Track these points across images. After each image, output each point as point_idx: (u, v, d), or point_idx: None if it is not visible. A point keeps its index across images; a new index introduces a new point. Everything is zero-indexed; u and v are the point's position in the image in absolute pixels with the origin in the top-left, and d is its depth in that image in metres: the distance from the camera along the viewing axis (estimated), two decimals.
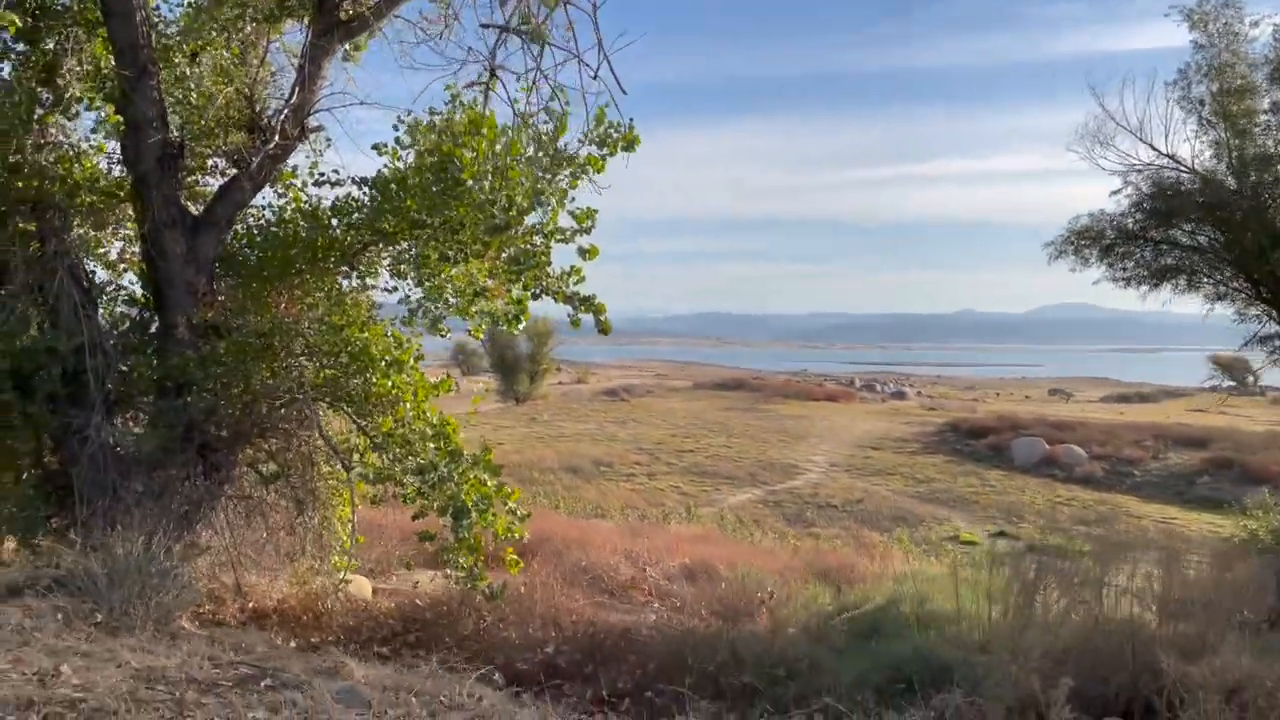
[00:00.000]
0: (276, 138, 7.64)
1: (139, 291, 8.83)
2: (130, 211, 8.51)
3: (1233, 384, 63.66)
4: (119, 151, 8.35)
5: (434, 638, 7.19)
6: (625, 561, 12.44)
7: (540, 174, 7.85)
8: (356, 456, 8.09)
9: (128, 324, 8.21)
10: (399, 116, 8.19)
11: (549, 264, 7.87)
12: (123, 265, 9.21)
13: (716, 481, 30.49)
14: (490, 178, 7.69)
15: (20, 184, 7.30)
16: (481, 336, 8.29)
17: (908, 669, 5.68)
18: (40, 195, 7.38)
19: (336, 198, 8.24)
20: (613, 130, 8.33)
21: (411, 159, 8.21)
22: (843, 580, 11.89)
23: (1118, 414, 52.73)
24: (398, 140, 8.20)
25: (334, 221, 8.10)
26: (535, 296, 7.60)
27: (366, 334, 7.60)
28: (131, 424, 8.39)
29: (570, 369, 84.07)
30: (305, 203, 8.43)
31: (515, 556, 8.11)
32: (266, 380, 7.57)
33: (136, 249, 9.08)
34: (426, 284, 7.58)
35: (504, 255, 7.81)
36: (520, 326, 8.38)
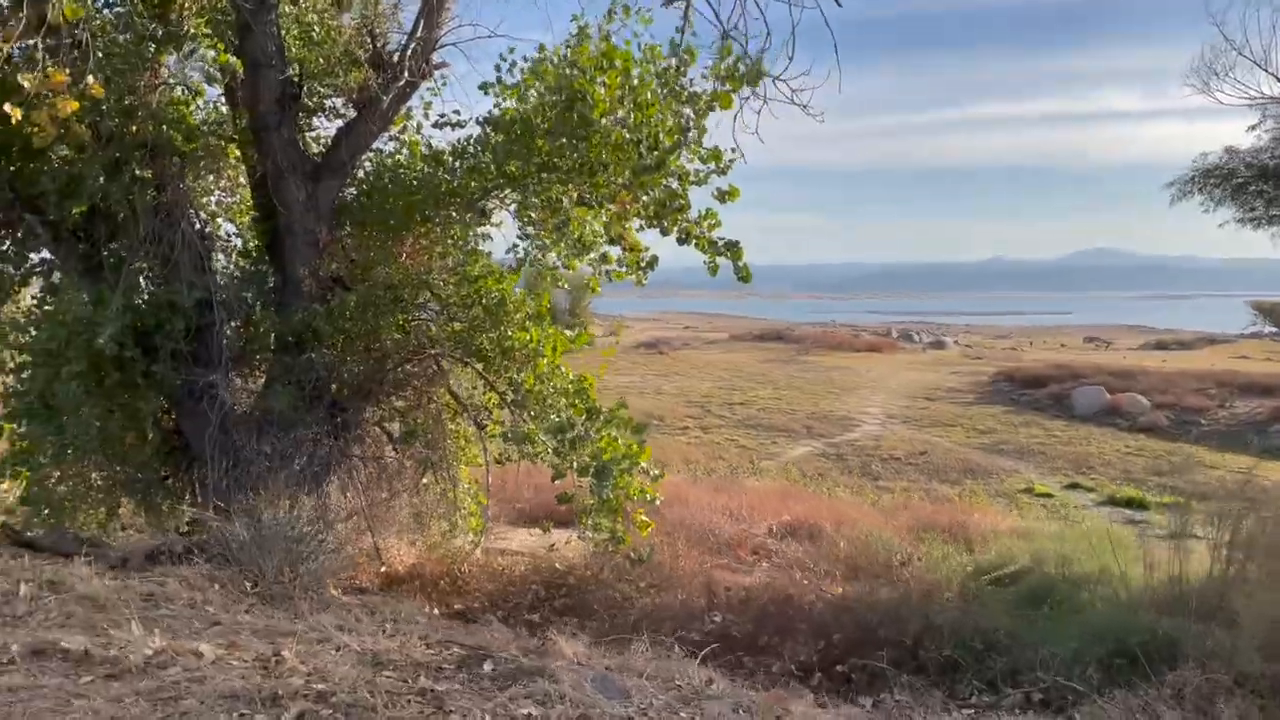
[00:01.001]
0: (406, 74, 7.10)
1: (237, 244, 8.44)
2: (231, 159, 8.06)
3: (1275, 330, 61.93)
4: (223, 95, 7.89)
5: (581, 605, 6.84)
6: (725, 519, 12.08)
7: (683, 111, 7.27)
8: (492, 414, 7.69)
9: (242, 277, 7.80)
10: (501, 56, 7.62)
11: (689, 207, 7.33)
12: (219, 217, 8.80)
13: (772, 434, 30.06)
14: (630, 115, 7.13)
15: (135, 128, 6.84)
16: (598, 289, 7.80)
17: (1131, 641, 5.21)
18: (158, 140, 6.93)
19: (457, 140, 7.72)
20: (740, 64, 7.70)
21: (533, 98, 7.67)
22: (958, 538, 11.45)
23: (1160, 362, 51.46)
24: (498, 82, 7.65)
25: (455, 165, 7.59)
26: (682, 241, 7.07)
27: (503, 285, 7.12)
28: (248, 382, 8.05)
29: (601, 322, 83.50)
30: (423, 146, 7.91)
31: (645, 518, 7.72)
32: (396, 335, 7.14)
33: (233, 199, 8.66)
34: (559, 231, 7.09)
35: (643, 199, 7.27)
36: (648, 277, 7.90)
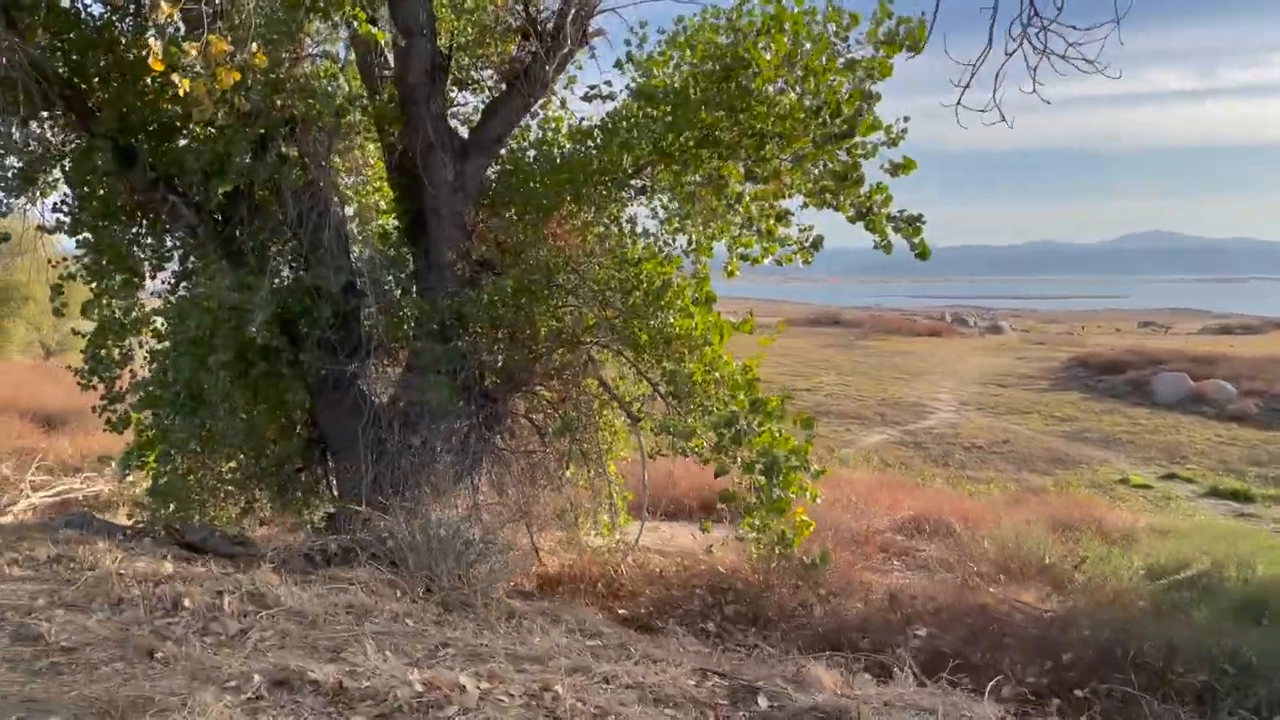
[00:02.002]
0: (569, 42, 6.61)
1: (373, 226, 8.05)
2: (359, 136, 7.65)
3: None
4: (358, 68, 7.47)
5: (754, 612, 6.36)
6: (845, 513, 11.52)
7: (858, 76, 6.69)
8: (637, 406, 7.22)
9: (382, 261, 7.41)
10: (631, 30, 7.10)
11: (864, 180, 6.76)
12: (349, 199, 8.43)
13: (844, 422, 29.36)
14: (801, 81, 6.58)
15: (280, 103, 6.45)
16: (736, 272, 7.26)
17: None
18: (305, 115, 6.53)
19: (606, 114, 7.23)
20: (902, 26, 7.08)
21: (682, 67, 7.16)
22: (1107, 538, 10.76)
23: (1227, 346, 49.50)
24: (628, 58, 7.15)
25: (604, 141, 7.11)
26: (862, 217, 6.51)
27: (666, 269, 6.63)
28: (387, 371, 7.68)
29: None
30: (568, 120, 7.44)
31: (805, 518, 7.20)
32: (552, 322, 6.69)
33: (358, 179, 8.27)
34: (730, 209, 6.57)
35: (815, 173, 6.72)
36: (813, 256, 7.37)
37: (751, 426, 6.75)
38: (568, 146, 7.42)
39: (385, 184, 8.69)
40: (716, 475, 6.78)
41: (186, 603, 4.01)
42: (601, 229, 7.00)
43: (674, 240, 7.18)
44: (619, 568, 6.85)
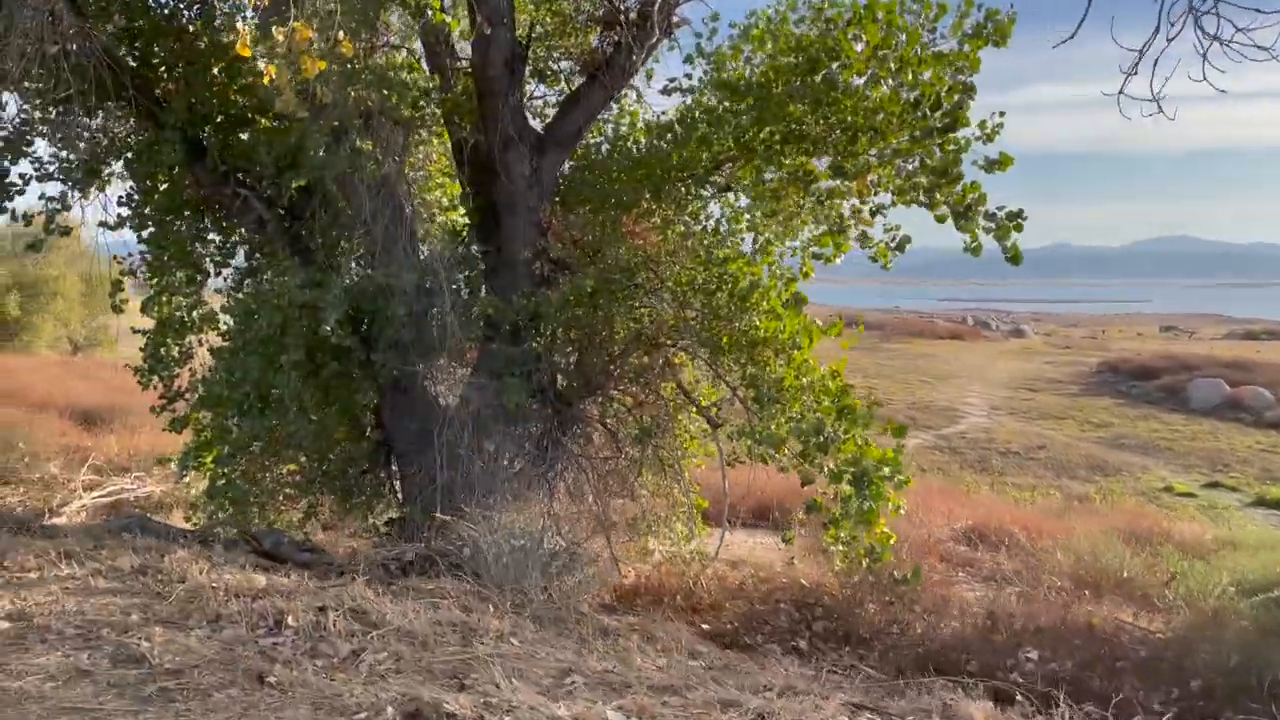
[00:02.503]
0: (657, 31, 6.34)
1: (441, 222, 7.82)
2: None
3: None
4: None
5: (846, 630, 6.08)
6: (900, 522, 11.18)
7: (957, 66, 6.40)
8: (714, 411, 6.95)
9: (453, 258, 7.17)
10: (702, 21, 6.81)
11: (962, 177, 6.46)
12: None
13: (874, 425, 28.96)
14: (894, 74, 6.30)
15: (355, 94, 6.22)
16: (811, 273, 6.95)
17: None
18: (381, 107, 6.30)
19: (685, 108, 6.96)
20: (990, 19, 6.78)
21: (753, 60, 6.90)
22: (1170, 547, 10.41)
23: (1254, 352, 48.71)
24: (698, 50, 6.88)
25: (681, 135, 6.84)
26: (959, 216, 6.21)
27: (754, 268, 6.36)
28: (455, 373, 7.44)
29: None
30: (643, 115, 7.19)
31: (886, 530, 6.90)
32: (632, 324, 6.44)
33: (420, 173, 8.04)
34: (820, 208, 6.30)
35: (906, 169, 6.42)
36: (894, 259, 7.09)
37: (837, 434, 6.47)
38: (642, 141, 7.16)
39: (448, 180, 8.48)
40: (803, 485, 6.49)
41: (290, 620, 3.76)
42: (683, 227, 6.72)
43: (743, 239, 6.90)
44: (698, 580, 6.57)
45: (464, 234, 7.40)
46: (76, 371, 22.38)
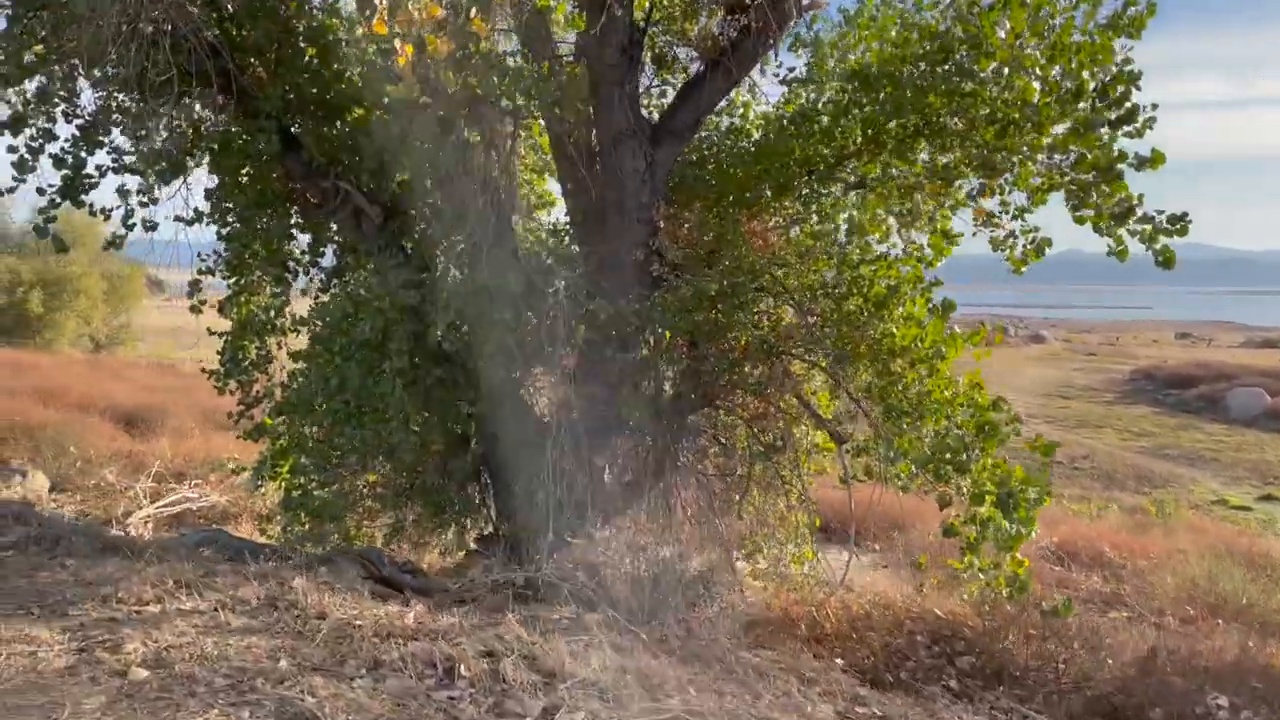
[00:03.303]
0: (794, 13, 5.88)
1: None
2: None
3: None
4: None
5: (995, 667, 5.59)
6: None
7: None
8: (835, 425, 6.47)
9: (554, 259, 6.72)
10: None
11: (1123, 174, 5.98)
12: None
13: None
14: (1052, 61, 5.83)
15: (463, 81, 5.76)
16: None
17: None
18: (491, 96, 5.83)
19: (807, 98, 6.51)
20: (1129, 9, 6.30)
21: (860, 47, 6.46)
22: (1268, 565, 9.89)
23: (1278, 361, 47.93)
24: (814, 37, 6.43)
25: (802, 128, 6.39)
26: (1121, 218, 5.72)
27: (893, 271, 5.89)
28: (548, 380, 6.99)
29: None
30: (758, 105, 6.73)
31: (1020, 556, 6.41)
32: (756, 330, 5.97)
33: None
34: (974, 201, 5.84)
35: (1058, 164, 5.94)
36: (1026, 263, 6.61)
37: (975, 452, 6.00)
38: (754, 134, 6.71)
39: (534, 176, 8.04)
40: (941, 507, 6.02)
41: (462, 670, 3.30)
42: (812, 226, 6.26)
43: (872, 239, 6.44)
44: (824, 607, 6.10)
45: (563, 233, 6.95)
46: (107, 371, 22.03)
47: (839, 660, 5.67)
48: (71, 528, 5.44)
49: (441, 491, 6.60)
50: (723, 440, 6.45)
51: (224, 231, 6.82)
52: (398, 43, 4.39)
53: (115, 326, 38.20)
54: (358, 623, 3.71)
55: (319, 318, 6.12)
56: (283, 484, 7.54)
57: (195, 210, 6.71)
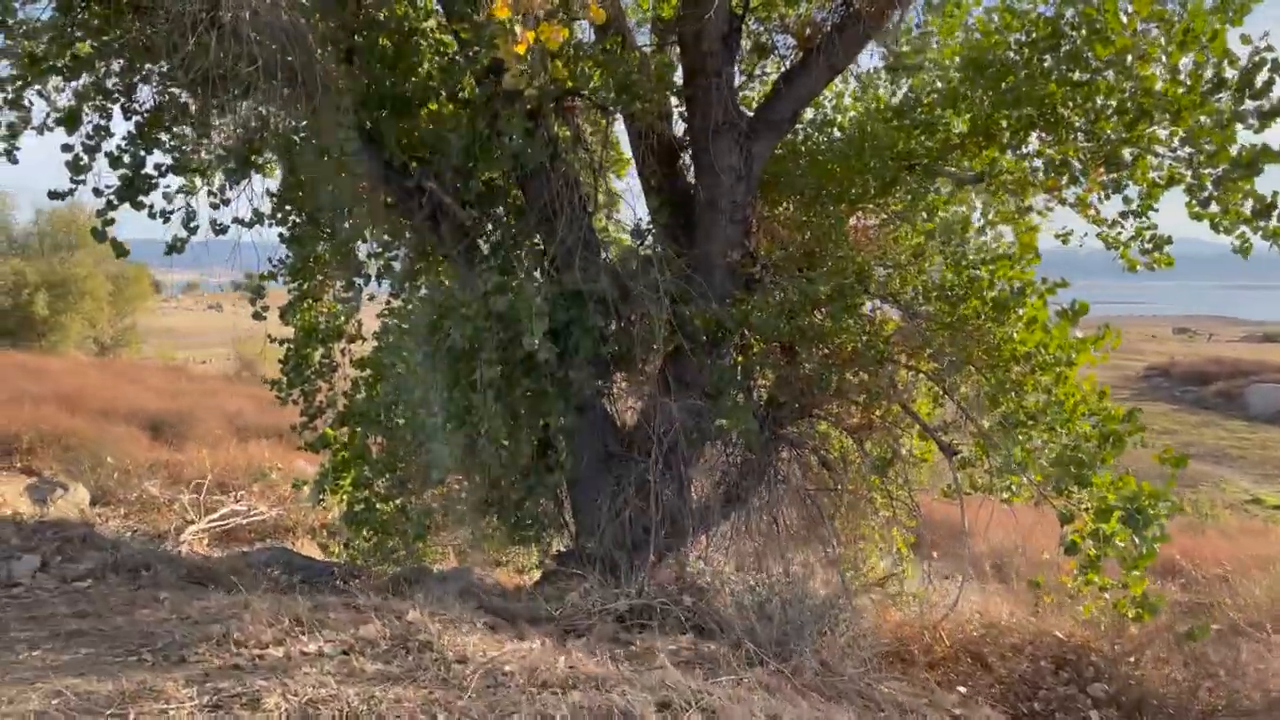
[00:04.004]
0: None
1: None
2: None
3: None
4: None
5: (1133, 699, 5.26)
6: (1042, 543, 10.35)
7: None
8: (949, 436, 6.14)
9: (641, 261, 6.36)
10: None
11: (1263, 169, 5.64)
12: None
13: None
14: (1183, 47, 5.49)
15: (554, 72, 5.41)
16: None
17: None
18: (583, 88, 5.49)
19: (910, 88, 6.17)
20: None
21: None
22: None
23: None
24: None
25: (906, 119, 6.06)
26: (1263, 214, 5.38)
27: (1018, 272, 5.55)
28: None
29: None
30: (859, 96, 6.38)
31: (1139, 573, 6.06)
32: (859, 336, 5.64)
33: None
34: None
35: (1199, 158, 5.60)
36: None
37: (1099, 464, 5.67)
38: (845, 126, 6.37)
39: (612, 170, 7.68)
40: (1063, 523, 5.68)
41: None
42: (923, 224, 5.91)
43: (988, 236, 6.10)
44: (936, 631, 5.76)
45: (646, 233, 6.59)
46: (121, 374, 21.61)
47: (961, 689, 5.33)
48: (151, 553, 5.07)
49: (522, 506, 6.25)
50: (822, 453, 6.11)
51: (288, 234, 6.48)
52: (519, 29, 4.01)
53: (121, 329, 37.76)
54: (506, 668, 3.35)
55: (399, 325, 5.75)
56: (344, 498, 7.22)
57: (255, 211, 6.36)
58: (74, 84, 6.17)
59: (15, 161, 6.51)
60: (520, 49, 4.13)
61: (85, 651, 3.36)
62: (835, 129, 6.33)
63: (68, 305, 34.06)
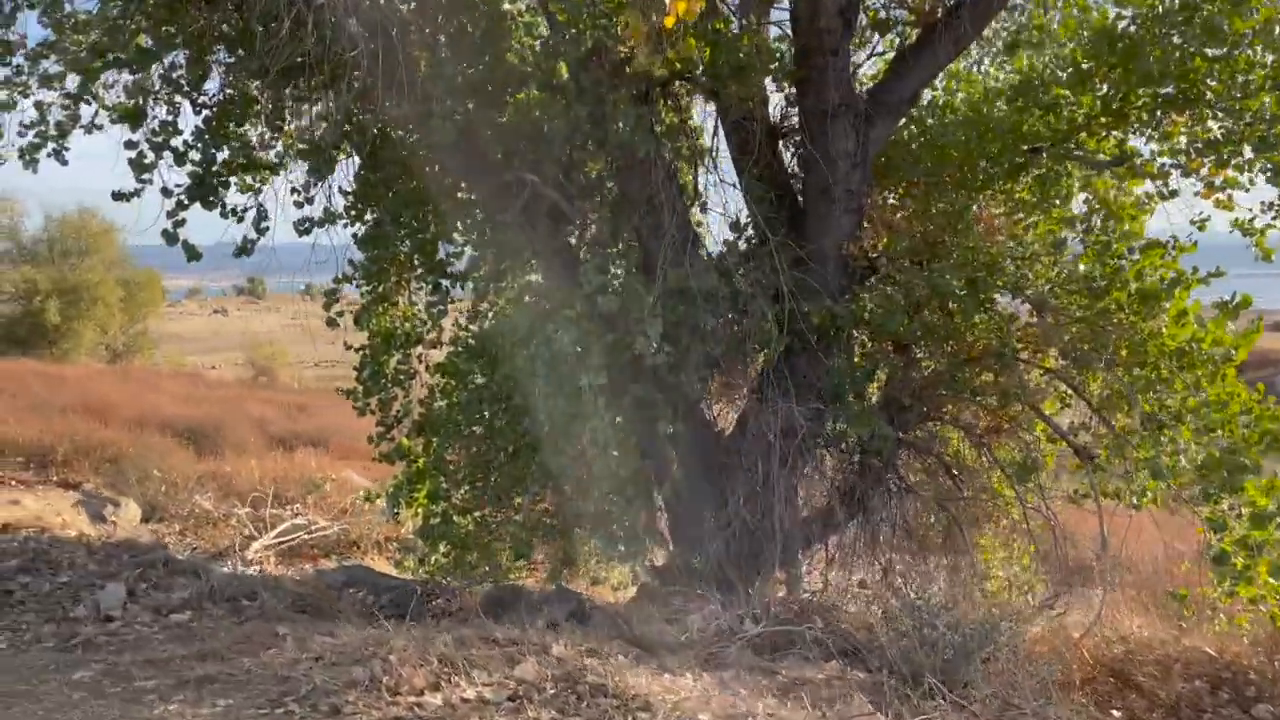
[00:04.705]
0: None
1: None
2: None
3: None
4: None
5: None
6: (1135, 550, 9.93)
7: None
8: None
9: (741, 255, 5.97)
10: None
11: None
12: None
13: None
14: None
15: (668, 53, 5.01)
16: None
17: None
18: (689, 70, 5.10)
19: (1035, 64, 5.78)
20: None
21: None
22: None
23: None
24: None
25: (1025, 98, 5.67)
26: None
27: (1169, 262, 5.16)
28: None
29: None
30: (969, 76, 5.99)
31: (1271, 579, 5.68)
32: (992, 332, 5.25)
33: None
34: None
35: None
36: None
37: (1249, 467, 5.28)
38: (959, 108, 5.98)
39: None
40: (1215, 532, 5.30)
41: None
42: (1062, 211, 5.52)
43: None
44: (1077, 649, 5.36)
45: (746, 226, 6.20)
46: (143, 382, 21.22)
47: (1115, 713, 4.94)
48: (246, 579, 4.69)
49: (620, 519, 5.86)
50: (946, 458, 5.71)
51: (363, 233, 6.11)
52: (669, 0, 3.63)
53: (132, 335, 37.38)
54: (701, 716, 2.97)
55: (499, 330, 5.37)
56: (419, 511, 6.86)
57: (326, 210, 5.98)
58: (136, 77, 5.79)
59: (65, 162, 6.15)
60: (669, 21, 3.76)
61: (223, 703, 2.99)
62: (947, 111, 5.93)
63: (79, 312, 33.68)
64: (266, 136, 5.68)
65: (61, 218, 34.66)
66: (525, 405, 5.23)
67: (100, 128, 6.14)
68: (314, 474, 9.58)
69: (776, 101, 6.09)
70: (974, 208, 5.49)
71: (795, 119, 5.74)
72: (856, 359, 5.60)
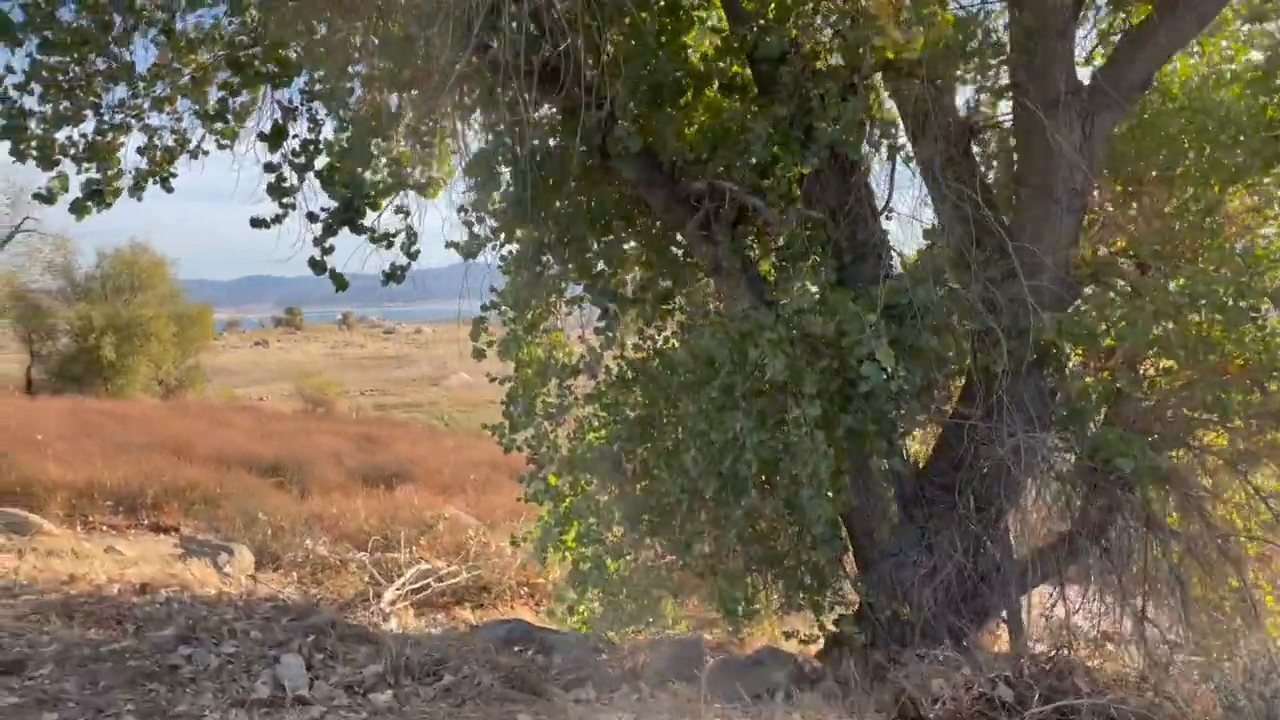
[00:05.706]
0: None
1: None
2: None
3: None
4: None
5: None
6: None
7: None
8: None
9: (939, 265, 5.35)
10: None
11: None
12: None
13: None
14: None
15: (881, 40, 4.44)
16: None
17: None
18: (900, 61, 4.51)
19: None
20: None
21: None
22: None
23: None
24: None
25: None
26: None
27: None
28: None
29: None
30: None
31: None
32: (1260, 349, 4.58)
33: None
34: None
35: None
36: None
37: None
38: (1192, 93, 5.33)
39: None
40: None
41: None
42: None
43: None
44: None
45: (934, 232, 5.59)
46: (207, 418, 20.98)
47: None
48: (437, 647, 4.12)
49: (811, 563, 5.22)
50: (1199, 492, 5.01)
51: (514, 255, 5.58)
52: None
53: (185, 369, 37.38)
54: None
55: (688, 353, 4.80)
56: (564, 555, 6.31)
57: (472, 234, 5.45)
58: (277, 94, 5.35)
59: (170, 190, 5.74)
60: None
61: None
62: (1177, 95, 5.28)
63: (134, 348, 33.73)
64: (419, 155, 5.20)
65: (114, 254, 34.88)
66: (722, 441, 4.63)
67: (207, 153, 5.74)
68: (421, 512, 9.05)
69: (970, 95, 5.51)
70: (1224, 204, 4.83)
71: (1004, 113, 5.14)
72: (1105, 377, 4.93)
